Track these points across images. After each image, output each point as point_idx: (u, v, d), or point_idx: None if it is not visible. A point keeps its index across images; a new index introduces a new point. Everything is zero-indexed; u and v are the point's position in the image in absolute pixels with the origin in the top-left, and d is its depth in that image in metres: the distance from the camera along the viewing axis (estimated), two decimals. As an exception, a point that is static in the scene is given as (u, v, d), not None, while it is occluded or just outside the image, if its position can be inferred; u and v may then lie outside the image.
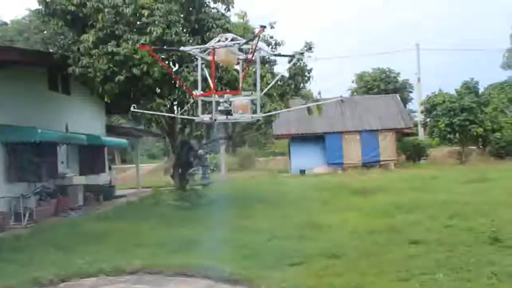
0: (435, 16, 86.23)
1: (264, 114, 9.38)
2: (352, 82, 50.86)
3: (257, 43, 6.66)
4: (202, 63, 7.22)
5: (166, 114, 12.43)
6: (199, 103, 7.28)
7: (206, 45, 6.77)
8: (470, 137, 31.73)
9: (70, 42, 13.96)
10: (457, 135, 32.15)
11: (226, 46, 6.60)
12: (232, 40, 6.73)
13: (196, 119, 7.89)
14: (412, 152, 33.90)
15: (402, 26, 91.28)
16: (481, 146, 34.12)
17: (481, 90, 33.58)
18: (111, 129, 22.57)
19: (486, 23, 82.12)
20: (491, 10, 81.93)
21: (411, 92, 48.09)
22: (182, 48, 7.82)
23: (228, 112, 6.58)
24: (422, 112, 35.57)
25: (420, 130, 37.83)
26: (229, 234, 9.83)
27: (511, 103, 34.51)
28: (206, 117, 7.16)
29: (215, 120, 6.79)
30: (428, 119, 33.94)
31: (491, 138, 31.86)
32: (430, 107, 32.84)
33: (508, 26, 46.25)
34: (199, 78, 7.31)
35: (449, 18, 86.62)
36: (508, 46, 47.91)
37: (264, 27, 6.43)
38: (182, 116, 10.21)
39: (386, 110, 34.07)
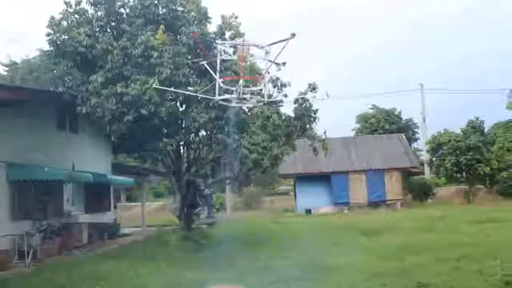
0: (437, 55, 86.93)
1: (267, 100, 13.45)
2: (356, 123, 50.89)
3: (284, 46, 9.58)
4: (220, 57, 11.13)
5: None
6: (217, 86, 10.38)
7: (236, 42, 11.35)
8: (477, 176, 31.58)
9: (79, 82, 14.16)
10: (464, 174, 32.02)
11: (255, 45, 10.55)
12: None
13: (214, 98, 10.74)
14: (419, 191, 33.71)
15: (405, 64, 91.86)
16: (488, 185, 33.88)
17: (486, 129, 33.66)
18: (117, 168, 22.60)
19: (490, 62, 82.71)
20: (496, 50, 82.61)
21: (416, 131, 48.09)
22: (217, 41, 11.90)
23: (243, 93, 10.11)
24: (428, 151, 35.55)
25: (426, 169, 37.70)
26: (234, 276, 9.69)
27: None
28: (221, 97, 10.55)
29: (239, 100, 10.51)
30: (434, 158, 33.86)
31: (498, 177, 31.67)
32: (436, 146, 32.83)
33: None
34: (218, 63, 10.87)
35: (453, 58, 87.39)
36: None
37: (294, 34, 8.99)
38: (203, 95, 12.26)
39: (392, 149, 34.06)
